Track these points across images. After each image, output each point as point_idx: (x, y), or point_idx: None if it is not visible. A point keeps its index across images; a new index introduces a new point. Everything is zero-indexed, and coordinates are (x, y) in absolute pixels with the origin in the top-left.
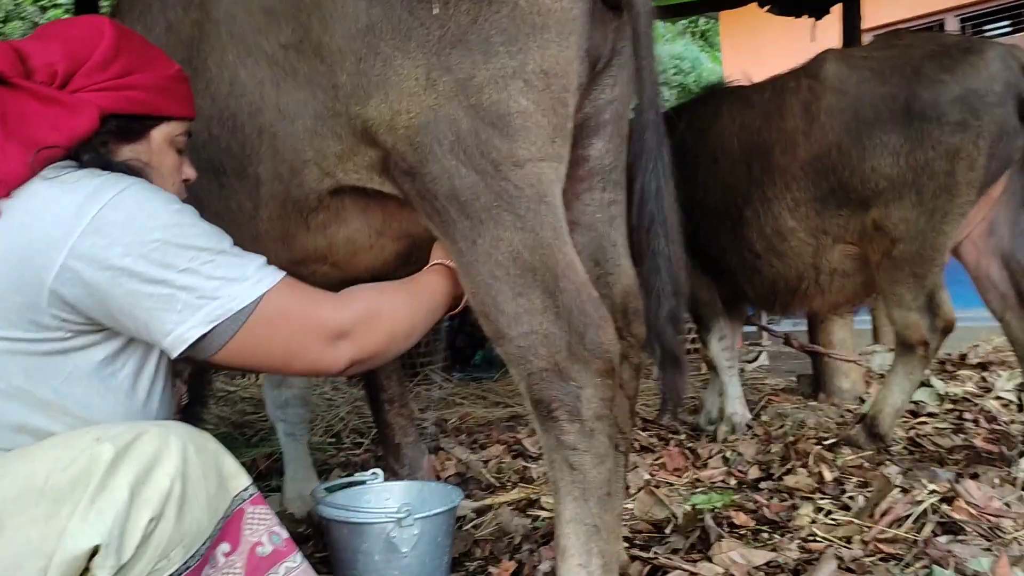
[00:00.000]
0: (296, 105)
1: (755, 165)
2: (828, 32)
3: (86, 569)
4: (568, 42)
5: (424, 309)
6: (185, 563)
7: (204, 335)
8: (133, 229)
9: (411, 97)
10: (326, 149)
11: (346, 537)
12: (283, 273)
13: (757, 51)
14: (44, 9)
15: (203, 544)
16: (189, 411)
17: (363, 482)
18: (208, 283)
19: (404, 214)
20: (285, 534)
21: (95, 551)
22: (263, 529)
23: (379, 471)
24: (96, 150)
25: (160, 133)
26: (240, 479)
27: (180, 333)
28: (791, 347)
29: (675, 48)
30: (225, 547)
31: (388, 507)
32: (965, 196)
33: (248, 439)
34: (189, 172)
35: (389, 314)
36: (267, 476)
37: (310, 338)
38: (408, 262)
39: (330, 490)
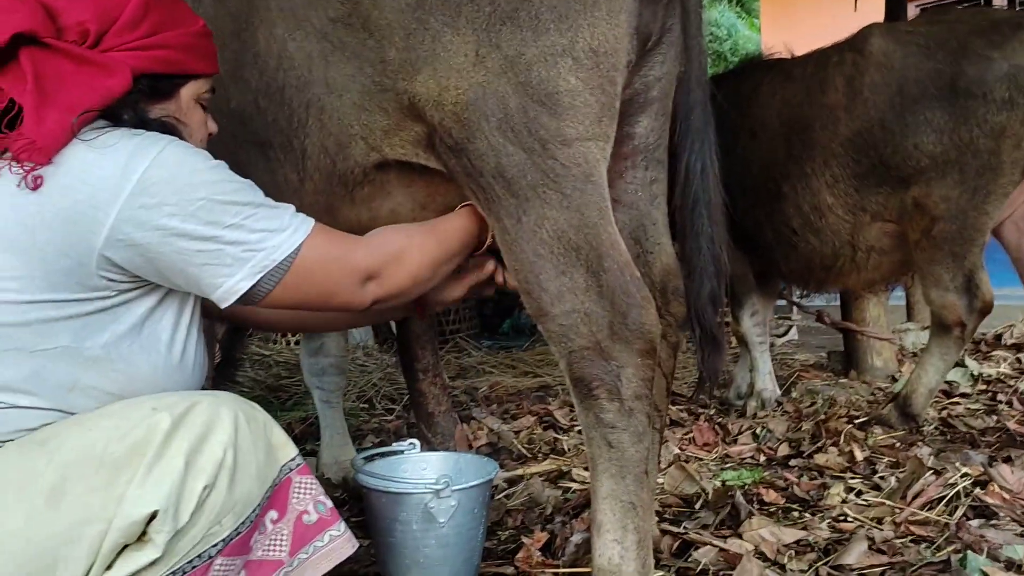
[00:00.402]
0: (344, 79)
1: (794, 140)
2: (872, 1)
3: (143, 533)
4: (618, 20)
5: (449, 251)
6: (236, 529)
7: (252, 285)
8: (178, 188)
9: (460, 73)
10: (373, 124)
11: (384, 506)
12: (313, 220)
13: (797, 19)
14: None
15: (253, 511)
16: (221, 371)
17: (401, 452)
18: (252, 236)
19: (447, 188)
20: (330, 503)
21: (153, 516)
22: (309, 498)
23: (416, 441)
24: (131, 110)
25: (188, 91)
26: (288, 449)
27: (230, 286)
28: (823, 324)
29: (711, 14)
30: (273, 515)
31: (426, 478)
32: (1009, 176)
33: (283, 403)
34: (212, 127)
35: (416, 257)
36: (302, 440)
37: (343, 280)
38: None
39: (368, 459)
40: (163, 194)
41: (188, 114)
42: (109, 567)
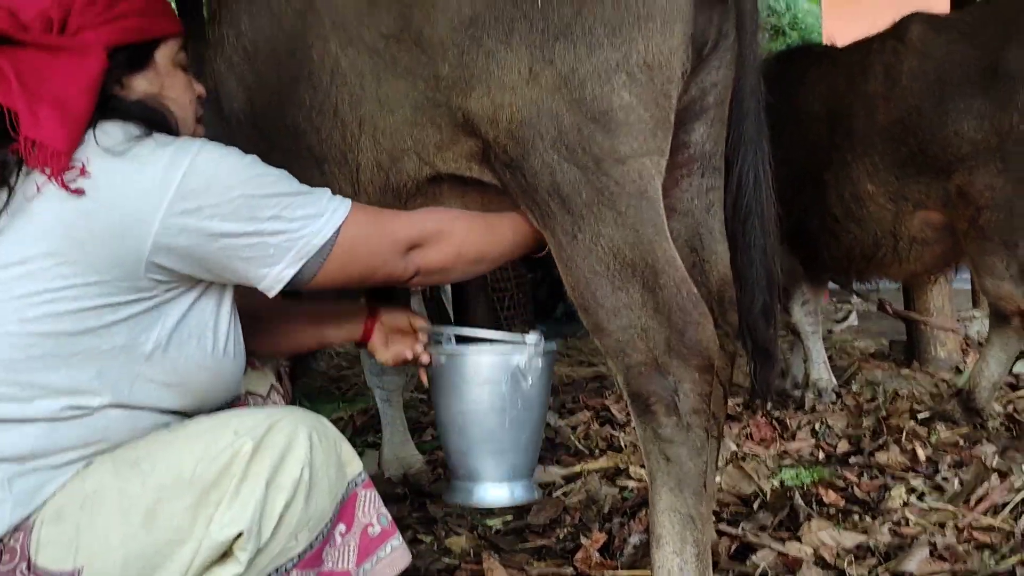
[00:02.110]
0: (396, 95)
1: (836, 127)
2: None
3: (228, 550)
4: (673, 31)
5: (499, 239)
6: (310, 543)
7: (297, 272)
8: (216, 191)
9: (513, 91)
10: (426, 139)
11: (475, 372)
12: (350, 200)
13: None
14: None
15: (325, 525)
16: (299, 361)
17: (439, 341)
18: (292, 224)
19: (500, 199)
20: (389, 516)
21: (237, 536)
22: (373, 511)
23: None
24: (115, 96)
25: (162, 54)
26: (354, 465)
27: (275, 275)
28: (886, 312)
29: None
30: (342, 527)
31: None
32: None
33: (344, 393)
34: (199, 88)
35: (459, 234)
36: (363, 432)
37: (385, 253)
38: None
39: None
40: (201, 198)
41: (170, 80)
42: None
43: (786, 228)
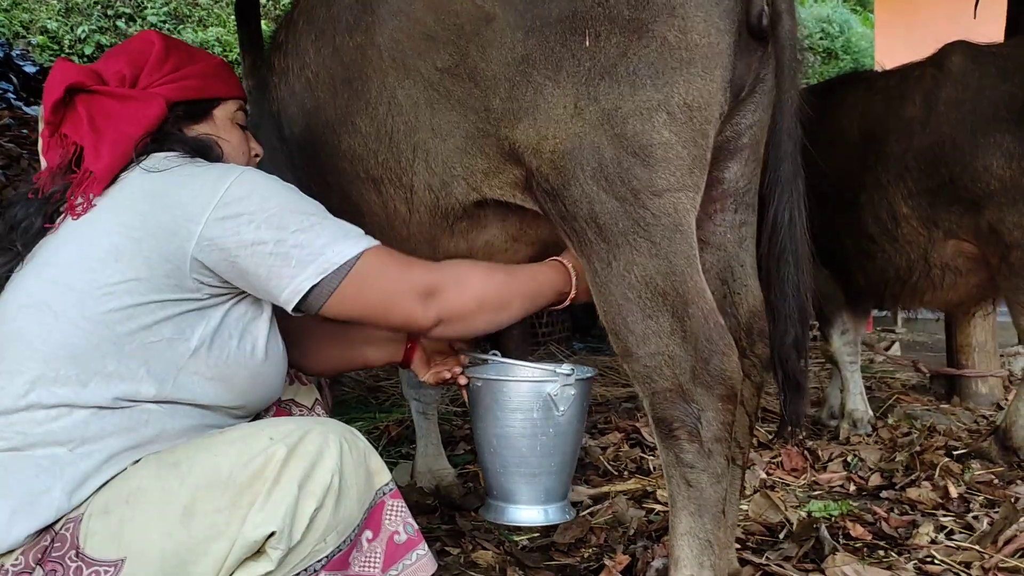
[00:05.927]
0: (449, 125)
1: (871, 151)
2: (995, 7)
3: (260, 548)
4: (713, 75)
5: (521, 289)
6: (338, 547)
7: (313, 287)
8: (255, 201)
9: (558, 124)
10: (474, 166)
11: (508, 397)
12: (378, 242)
13: (913, 16)
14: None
15: (352, 531)
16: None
17: (486, 360)
18: (316, 241)
19: (539, 223)
20: (416, 525)
21: (270, 535)
22: (400, 520)
23: (496, 351)
24: (175, 130)
25: (221, 112)
26: (383, 475)
27: (295, 286)
28: (921, 372)
29: (823, 11)
30: (368, 534)
31: (537, 374)
32: None
33: (380, 403)
34: (256, 147)
35: (479, 282)
36: (398, 443)
37: (401, 293)
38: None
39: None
40: (242, 206)
41: (226, 133)
42: None
43: (825, 255)
